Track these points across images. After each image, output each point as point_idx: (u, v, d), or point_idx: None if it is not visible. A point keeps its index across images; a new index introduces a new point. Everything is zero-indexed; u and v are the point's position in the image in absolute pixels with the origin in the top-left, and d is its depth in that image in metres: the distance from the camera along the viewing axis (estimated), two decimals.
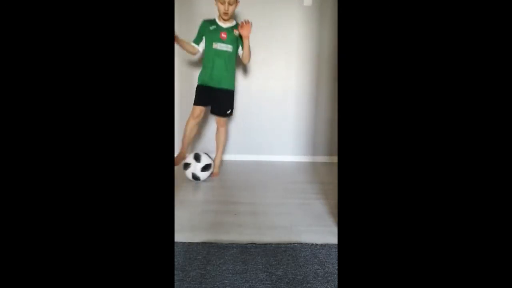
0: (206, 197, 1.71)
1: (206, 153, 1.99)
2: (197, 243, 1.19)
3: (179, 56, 2.40)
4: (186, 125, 2.01)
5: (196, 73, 2.44)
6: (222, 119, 2.10)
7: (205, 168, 1.91)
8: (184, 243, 1.19)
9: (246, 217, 1.45)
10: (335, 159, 2.50)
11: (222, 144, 2.19)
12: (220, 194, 1.78)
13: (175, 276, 0.98)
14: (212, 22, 2.00)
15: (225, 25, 1.98)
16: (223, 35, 1.97)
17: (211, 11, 2.37)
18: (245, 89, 2.45)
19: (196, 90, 2.03)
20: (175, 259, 1.07)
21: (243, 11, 2.29)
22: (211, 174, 2.03)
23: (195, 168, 1.88)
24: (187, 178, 1.97)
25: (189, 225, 1.36)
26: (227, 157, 2.53)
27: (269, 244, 1.20)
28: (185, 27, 2.37)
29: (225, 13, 1.91)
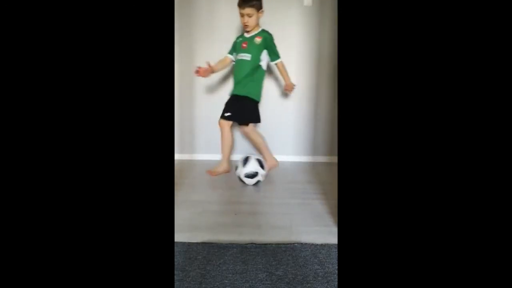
0: (206, 197, 1.71)
1: (260, 160, 1.93)
2: (197, 243, 1.19)
3: (180, 56, 2.40)
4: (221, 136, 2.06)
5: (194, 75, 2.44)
6: (245, 128, 2.10)
7: (250, 176, 1.87)
8: (184, 243, 1.19)
9: (246, 217, 1.45)
10: (335, 159, 2.50)
11: (262, 145, 2.18)
12: (220, 194, 1.78)
13: (175, 276, 0.98)
14: (241, 35, 2.09)
15: (248, 35, 2.03)
16: (244, 45, 2.04)
17: (212, 14, 2.37)
18: None
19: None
20: (175, 259, 1.07)
21: None
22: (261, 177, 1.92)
23: (240, 172, 1.89)
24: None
25: (189, 225, 1.36)
26: None
27: (269, 244, 1.20)
28: (185, 28, 2.37)
29: (245, 25, 1.97)
